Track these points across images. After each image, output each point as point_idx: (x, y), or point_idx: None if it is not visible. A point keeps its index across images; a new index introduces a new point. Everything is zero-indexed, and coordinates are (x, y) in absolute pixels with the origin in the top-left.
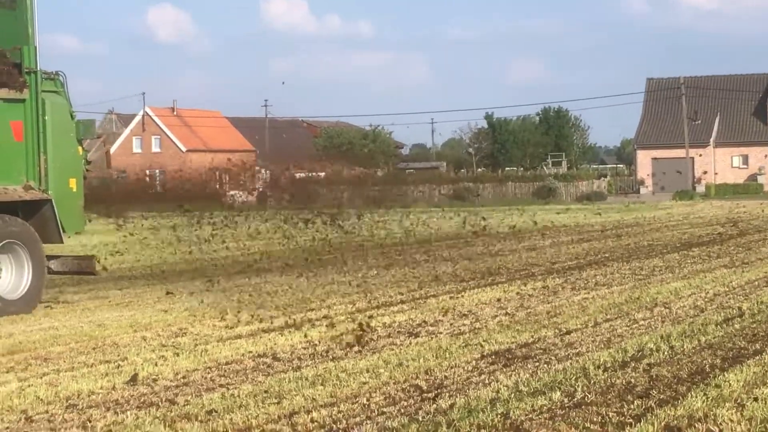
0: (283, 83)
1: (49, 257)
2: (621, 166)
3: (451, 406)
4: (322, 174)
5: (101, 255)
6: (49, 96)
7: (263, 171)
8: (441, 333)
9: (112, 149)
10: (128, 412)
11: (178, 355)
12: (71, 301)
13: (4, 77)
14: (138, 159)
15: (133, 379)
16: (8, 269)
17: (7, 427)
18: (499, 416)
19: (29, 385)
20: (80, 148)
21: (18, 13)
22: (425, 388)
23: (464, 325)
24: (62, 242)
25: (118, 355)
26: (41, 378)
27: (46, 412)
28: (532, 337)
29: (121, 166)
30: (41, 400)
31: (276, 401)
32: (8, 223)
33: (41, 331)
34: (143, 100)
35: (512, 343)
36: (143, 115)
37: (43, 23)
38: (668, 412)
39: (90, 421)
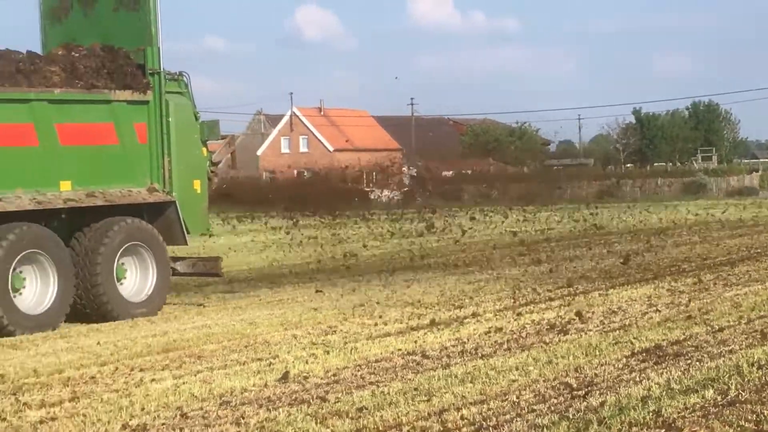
0: (396, 78)
1: (175, 259)
2: None
3: (602, 403)
4: (469, 172)
5: (251, 252)
6: (173, 97)
7: (409, 169)
8: (590, 330)
9: (260, 150)
10: (280, 409)
11: (328, 352)
12: (223, 299)
13: (127, 79)
14: (286, 159)
15: (285, 377)
16: (133, 272)
17: (163, 423)
18: (651, 414)
19: (184, 383)
20: (205, 149)
21: (141, 15)
22: (575, 385)
23: (614, 322)
24: (186, 244)
25: (270, 353)
26: (195, 375)
27: (201, 408)
28: (684, 334)
29: (270, 166)
30: (195, 397)
31: (426, 399)
32: (132, 226)
33: (195, 330)
34: (291, 100)
35: (663, 340)
36: (291, 115)
37: (191, 25)
38: None
39: (243, 418)
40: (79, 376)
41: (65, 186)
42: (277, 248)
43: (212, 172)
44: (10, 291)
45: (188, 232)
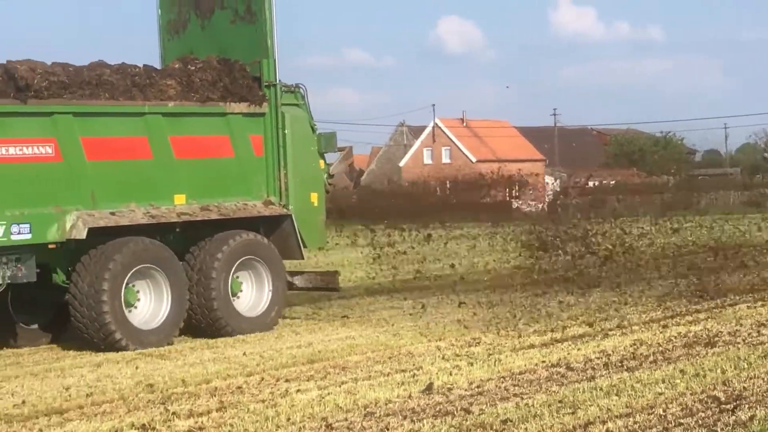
0: (507, 87)
1: (293, 273)
2: None
3: (751, 417)
4: (613, 182)
5: (395, 264)
6: (289, 109)
7: (553, 180)
8: (739, 343)
9: (403, 161)
10: (424, 421)
11: (472, 364)
12: (367, 311)
13: (243, 91)
14: (429, 170)
15: (429, 388)
16: (248, 286)
17: None
18: None
19: (328, 393)
20: (322, 161)
21: (257, 27)
22: (723, 399)
23: (763, 335)
24: (302, 258)
25: (414, 365)
26: (340, 386)
27: (345, 419)
28: None
29: (412, 177)
30: (340, 407)
31: (570, 411)
32: (248, 240)
33: (339, 341)
34: (433, 112)
35: None
36: (433, 127)
37: (334, 39)
38: None
39: (387, 429)
40: (226, 386)
41: (179, 199)
42: (412, 259)
43: (329, 184)
44: (124, 306)
45: (305, 246)
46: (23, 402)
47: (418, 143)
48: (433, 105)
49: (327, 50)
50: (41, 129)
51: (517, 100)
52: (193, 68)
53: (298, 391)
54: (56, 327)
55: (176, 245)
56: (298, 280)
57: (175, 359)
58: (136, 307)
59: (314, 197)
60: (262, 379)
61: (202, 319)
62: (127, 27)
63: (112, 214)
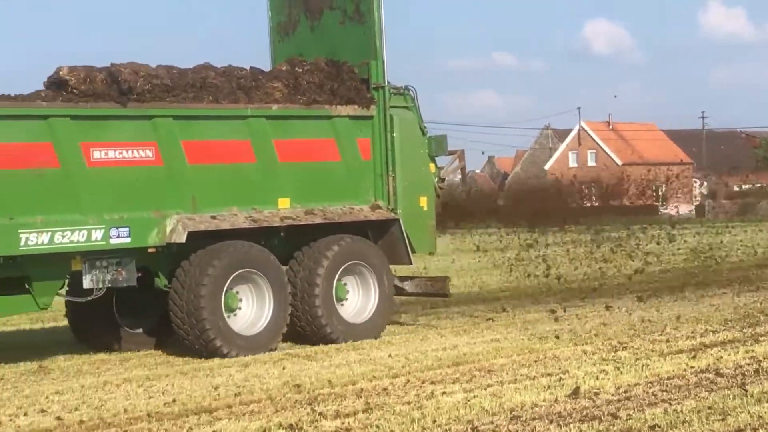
0: (615, 96)
1: (402, 278)
2: None
3: None
4: (763, 185)
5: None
6: (398, 112)
7: (701, 183)
8: None
9: (548, 164)
10: (571, 425)
11: (619, 369)
12: (512, 313)
13: (351, 94)
14: (574, 173)
15: (575, 392)
16: (354, 292)
17: None
18: None
19: (474, 396)
20: (432, 165)
21: (366, 28)
22: None
23: None
24: (411, 263)
25: (560, 368)
26: (485, 389)
27: (491, 422)
28: None
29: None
30: (486, 410)
31: (720, 418)
32: (353, 244)
33: (484, 344)
34: (579, 115)
35: None
36: (579, 130)
37: (480, 42)
38: None
39: None
40: (371, 388)
41: (283, 203)
42: (552, 264)
43: (440, 188)
44: (224, 311)
45: (413, 251)
46: (174, 400)
47: (563, 146)
48: (579, 108)
49: (472, 53)
50: (141, 132)
51: (664, 103)
52: (301, 70)
53: (444, 393)
54: (161, 331)
55: (280, 250)
56: (408, 285)
57: (321, 360)
58: (237, 313)
59: (423, 201)
60: (408, 381)
61: (306, 325)
62: (238, 29)
63: (213, 218)
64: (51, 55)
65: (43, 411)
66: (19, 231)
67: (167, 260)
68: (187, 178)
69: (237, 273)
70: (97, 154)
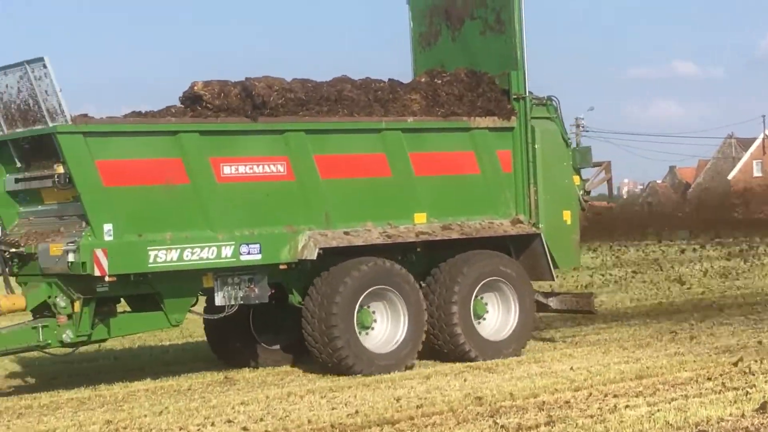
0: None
1: (547, 294)
2: None
3: None
4: None
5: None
6: (540, 123)
7: None
8: None
9: (731, 174)
10: None
11: None
12: (698, 327)
13: (491, 105)
14: (759, 182)
15: (763, 407)
16: (494, 309)
17: None
18: None
19: (658, 410)
20: (577, 177)
21: (507, 37)
22: None
23: None
24: (553, 279)
25: (746, 382)
26: (669, 403)
27: None
28: None
29: (741, 191)
30: (670, 425)
31: None
32: (492, 260)
33: (667, 357)
34: (763, 123)
35: None
36: (763, 138)
37: (659, 50)
38: None
39: None
40: (553, 401)
41: (420, 218)
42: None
43: (585, 201)
44: (357, 329)
45: (556, 266)
46: (356, 412)
47: (747, 155)
48: (763, 116)
49: (650, 62)
50: (273, 147)
51: None
52: (440, 82)
53: (627, 407)
54: (298, 348)
55: (417, 266)
56: (553, 302)
57: (502, 373)
58: (371, 331)
59: (567, 215)
60: (590, 394)
61: (444, 344)
62: (381, 41)
63: (346, 233)
64: (188, 70)
65: (229, 421)
66: (148, 248)
67: (301, 276)
68: (319, 193)
69: (370, 290)
70: (227, 170)
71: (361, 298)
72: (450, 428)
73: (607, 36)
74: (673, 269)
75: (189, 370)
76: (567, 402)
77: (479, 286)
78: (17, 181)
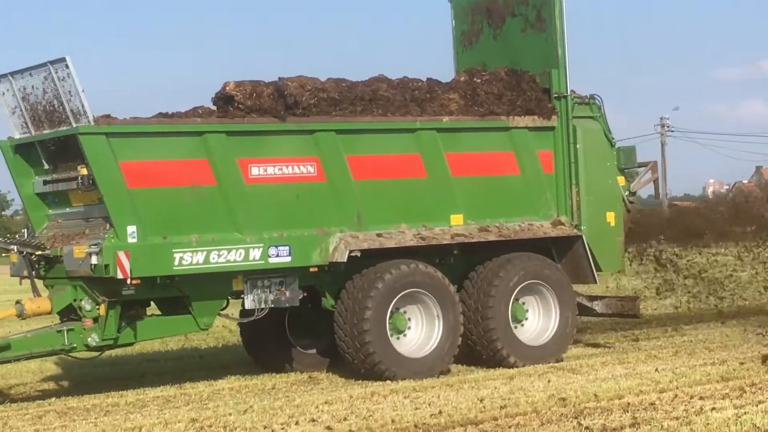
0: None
1: (592, 298)
2: None
3: None
4: None
5: None
6: (582, 122)
7: None
8: None
9: None
10: None
11: None
12: None
13: (531, 104)
14: None
15: None
16: (534, 313)
17: None
18: None
19: (745, 413)
20: (622, 178)
21: (548, 35)
22: None
23: None
24: (595, 282)
25: None
26: (757, 405)
27: None
28: None
29: None
30: (758, 428)
31: None
32: (531, 263)
33: (753, 359)
34: None
35: None
36: None
37: (747, 50)
38: None
39: None
40: (638, 402)
41: (456, 220)
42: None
43: (631, 202)
44: (389, 333)
45: (599, 270)
46: (440, 412)
47: None
48: None
49: (739, 61)
50: (302, 147)
51: None
52: (479, 81)
53: (713, 409)
54: (334, 352)
55: (457, 269)
56: (598, 306)
57: (586, 374)
58: (405, 335)
59: (610, 217)
60: (676, 395)
61: (481, 349)
62: (424, 40)
63: (379, 235)
64: (227, 71)
65: (313, 420)
66: (173, 250)
67: (335, 279)
68: (351, 195)
69: (403, 293)
70: (255, 171)
71: (393, 302)
72: (534, 429)
73: (694, 36)
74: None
75: (273, 370)
76: (652, 404)
77: (518, 289)
78: (45, 183)
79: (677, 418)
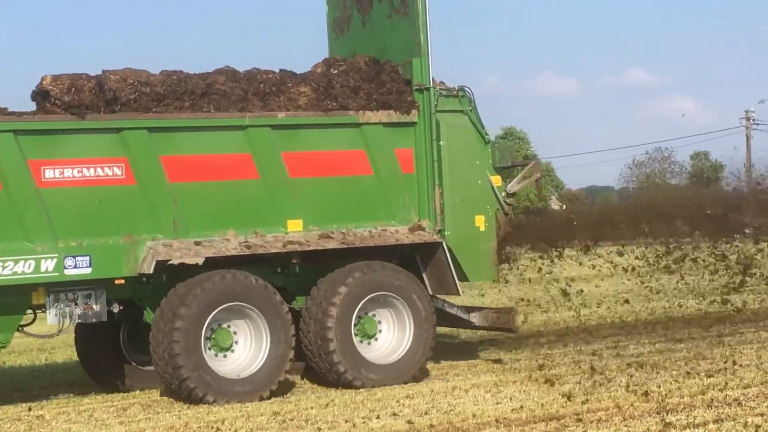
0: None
1: (470, 309)
2: None
3: None
4: None
5: None
6: (448, 117)
7: None
8: None
9: None
10: None
11: None
12: None
13: (389, 98)
14: None
15: None
16: (389, 327)
17: None
18: None
19: None
20: (497, 177)
21: (411, 20)
22: None
23: None
24: (458, 294)
25: None
26: None
27: None
28: None
29: None
30: None
31: None
32: (379, 273)
33: None
34: None
35: None
36: None
37: None
38: None
39: None
40: (722, 398)
41: (294, 226)
42: None
43: (508, 204)
44: (204, 351)
45: (466, 279)
46: (521, 407)
47: None
48: None
49: None
50: (108, 148)
51: None
52: (336, 72)
53: None
54: None
55: (306, 278)
56: (476, 318)
57: (670, 369)
58: (232, 352)
59: (480, 221)
60: (761, 391)
61: (323, 370)
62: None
63: (197, 244)
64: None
65: (394, 414)
66: None
67: (157, 291)
68: (167, 199)
69: (223, 307)
70: (49, 173)
71: (210, 317)
72: (616, 425)
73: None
74: None
75: (111, 389)
76: (736, 399)
77: (363, 302)
78: None
79: (761, 415)
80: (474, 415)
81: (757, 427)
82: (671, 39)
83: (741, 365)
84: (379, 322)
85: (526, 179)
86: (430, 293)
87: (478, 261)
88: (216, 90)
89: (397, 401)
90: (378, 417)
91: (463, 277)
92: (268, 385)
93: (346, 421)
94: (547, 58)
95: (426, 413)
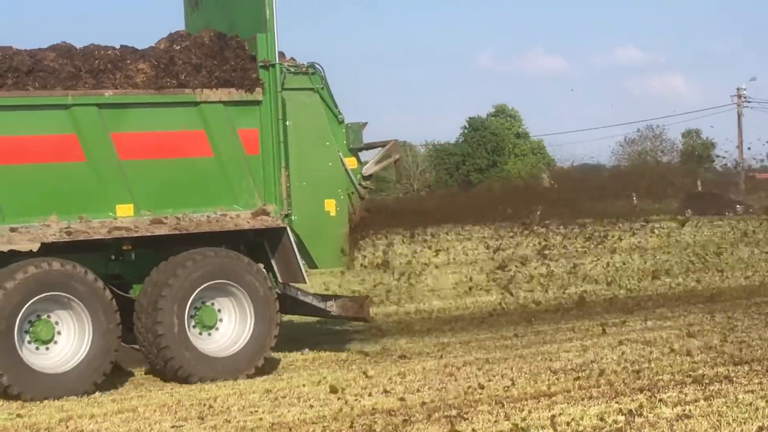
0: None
1: (326, 297)
2: None
3: None
4: None
5: None
6: (296, 95)
7: None
8: None
9: None
10: None
11: None
12: None
13: (232, 75)
14: None
15: None
16: (231, 318)
17: None
18: None
19: None
20: (352, 159)
21: None
22: None
23: None
24: (304, 282)
25: None
26: None
27: None
28: None
29: None
30: None
31: None
32: (217, 260)
33: None
34: None
35: None
36: None
37: None
38: None
39: None
40: (713, 375)
41: (124, 211)
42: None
43: (363, 187)
44: (18, 345)
45: (315, 266)
46: (512, 384)
47: None
48: None
49: None
50: None
51: None
52: (178, 48)
53: None
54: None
55: (145, 265)
56: (332, 307)
57: (660, 346)
58: (54, 344)
59: (330, 205)
60: (751, 368)
61: (155, 361)
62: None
63: (13, 230)
64: None
65: (386, 392)
66: None
67: None
68: None
69: (38, 298)
70: None
71: (23, 310)
72: (606, 401)
73: None
74: None
75: (347, 341)
76: (727, 377)
77: (198, 291)
78: None
79: (752, 392)
80: (466, 392)
81: (748, 403)
82: (662, 16)
83: (730, 341)
84: (219, 311)
85: (384, 160)
86: (280, 281)
87: (328, 247)
88: (44, 67)
89: (389, 379)
90: (370, 395)
91: (313, 264)
92: (93, 377)
93: (338, 399)
94: (538, 35)
95: (418, 390)
